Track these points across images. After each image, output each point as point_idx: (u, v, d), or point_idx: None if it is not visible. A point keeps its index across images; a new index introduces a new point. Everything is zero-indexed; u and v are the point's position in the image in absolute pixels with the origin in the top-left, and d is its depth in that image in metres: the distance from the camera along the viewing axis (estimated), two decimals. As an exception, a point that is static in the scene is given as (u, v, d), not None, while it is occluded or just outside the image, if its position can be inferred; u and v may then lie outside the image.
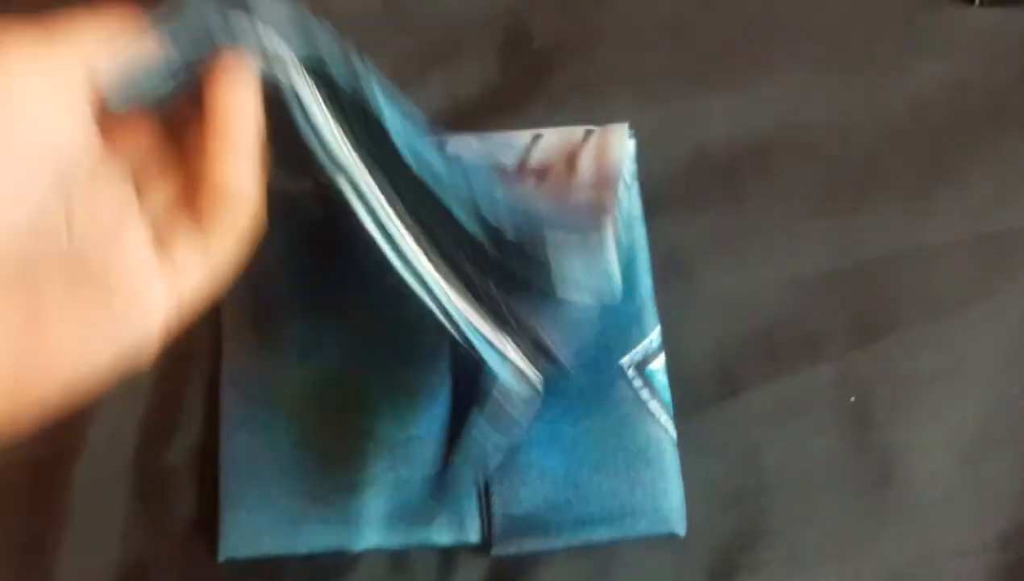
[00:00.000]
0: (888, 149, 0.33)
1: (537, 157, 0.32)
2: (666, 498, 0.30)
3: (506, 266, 0.26)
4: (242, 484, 0.30)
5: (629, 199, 0.32)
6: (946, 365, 0.31)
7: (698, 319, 0.32)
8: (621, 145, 0.31)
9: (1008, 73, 0.34)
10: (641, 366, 0.31)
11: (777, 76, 0.34)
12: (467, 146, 0.32)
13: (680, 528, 0.30)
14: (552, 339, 0.27)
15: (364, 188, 0.24)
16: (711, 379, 0.32)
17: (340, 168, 0.24)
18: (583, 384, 0.30)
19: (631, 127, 0.32)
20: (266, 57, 0.22)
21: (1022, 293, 0.32)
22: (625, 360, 0.31)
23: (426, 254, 0.26)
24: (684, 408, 0.31)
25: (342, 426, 0.31)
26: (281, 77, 0.22)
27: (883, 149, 0.33)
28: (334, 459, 0.30)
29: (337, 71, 0.23)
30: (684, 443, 0.30)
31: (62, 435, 0.30)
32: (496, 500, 0.30)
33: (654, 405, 0.31)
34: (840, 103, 0.34)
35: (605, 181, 0.30)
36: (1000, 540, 0.30)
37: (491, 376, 0.26)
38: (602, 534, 0.30)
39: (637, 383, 0.31)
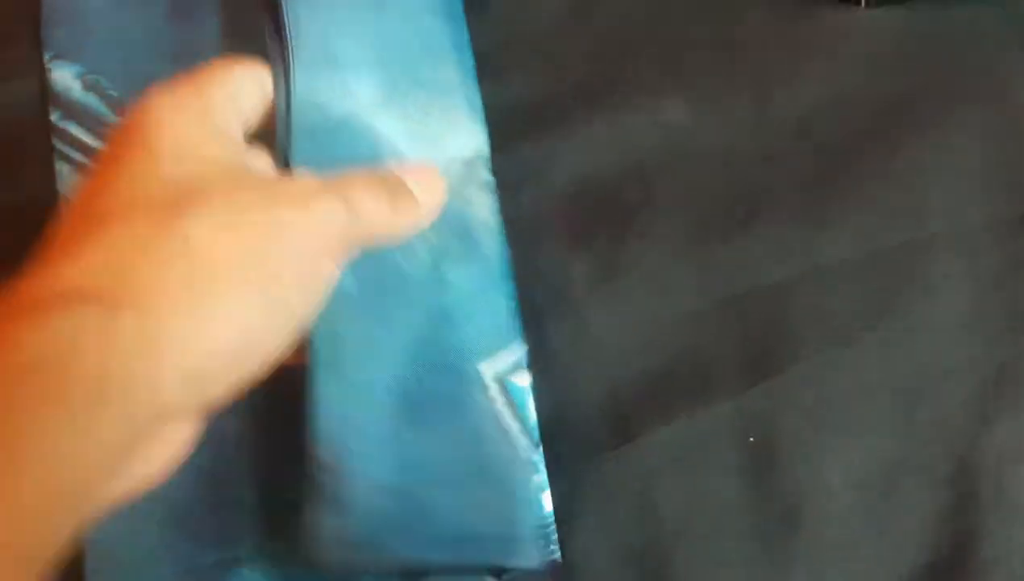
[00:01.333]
0: (776, 169, 0.32)
1: None
2: (515, 527, 0.28)
3: None
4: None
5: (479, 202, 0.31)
6: (848, 394, 0.30)
7: (590, 361, 0.30)
8: None
9: (894, 79, 0.33)
10: (502, 378, 0.29)
11: (658, 100, 0.32)
12: None
13: (530, 561, 0.28)
14: None
15: None
16: (606, 425, 0.30)
17: None
18: (431, 385, 0.28)
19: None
20: None
21: (924, 310, 0.31)
22: (484, 366, 0.29)
23: None
24: (580, 457, 0.29)
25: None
26: None
27: (770, 170, 0.32)
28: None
29: None
30: (581, 493, 0.29)
31: None
32: (319, 511, 0.27)
33: (513, 424, 0.29)
34: (724, 125, 0.32)
35: None
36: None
37: None
38: (441, 557, 0.27)
39: (495, 395, 0.29)
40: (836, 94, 0.33)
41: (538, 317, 0.30)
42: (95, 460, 0.19)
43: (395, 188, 0.25)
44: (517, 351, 0.29)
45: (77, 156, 0.31)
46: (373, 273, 0.27)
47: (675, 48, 0.33)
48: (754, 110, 0.32)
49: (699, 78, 0.33)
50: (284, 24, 0.28)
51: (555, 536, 0.28)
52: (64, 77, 0.32)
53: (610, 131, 0.32)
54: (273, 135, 0.27)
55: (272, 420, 0.29)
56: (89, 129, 0.32)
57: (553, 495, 0.29)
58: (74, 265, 0.20)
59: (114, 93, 0.32)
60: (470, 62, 0.31)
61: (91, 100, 0.32)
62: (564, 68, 0.33)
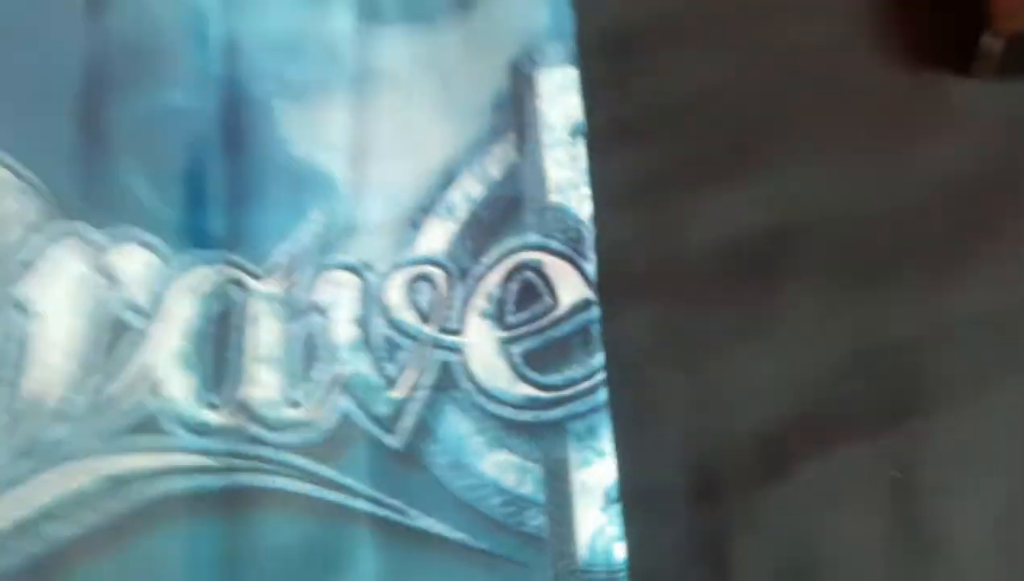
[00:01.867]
0: (909, 230, 0.36)
1: None
2: None
3: None
4: None
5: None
6: (985, 436, 0.34)
7: (742, 403, 0.35)
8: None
9: (1017, 147, 0.37)
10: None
11: (795, 165, 0.37)
12: None
13: None
14: None
15: None
16: (759, 462, 0.35)
17: None
18: None
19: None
20: None
21: None
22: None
23: None
24: (735, 491, 0.34)
25: None
26: None
27: (905, 230, 0.36)
28: None
29: None
30: (737, 524, 0.33)
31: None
32: None
33: None
34: (857, 187, 0.37)
35: None
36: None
37: None
38: None
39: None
40: (962, 161, 0.37)
41: (690, 362, 0.36)
42: None
43: None
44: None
45: None
46: None
47: (809, 116, 0.38)
48: (886, 175, 0.37)
49: (832, 145, 0.37)
50: None
51: None
52: None
53: (751, 193, 0.37)
54: None
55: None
56: None
57: (707, 524, 0.34)
58: None
59: None
60: None
61: None
62: (703, 135, 0.38)
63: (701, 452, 0.35)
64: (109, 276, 0.35)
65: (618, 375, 0.35)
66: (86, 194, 0.36)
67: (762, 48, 0.38)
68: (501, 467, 0.35)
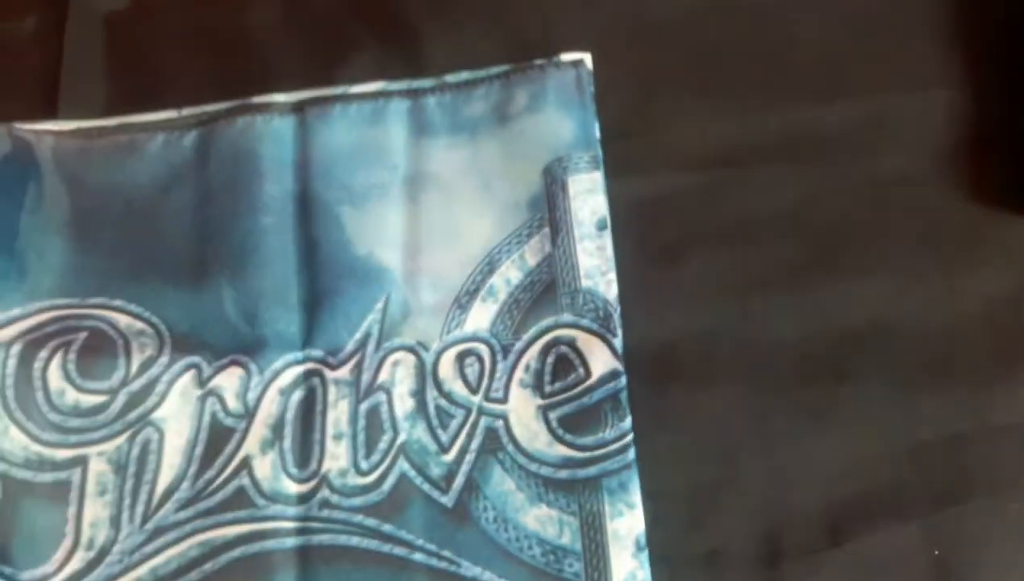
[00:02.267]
0: (960, 342, 0.40)
1: None
2: None
3: None
4: None
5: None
6: (1012, 527, 0.38)
7: (808, 479, 0.39)
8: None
9: None
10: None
11: (865, 278, 0.42)
12: None
13: None
14: None
15: None
16: (819, 531, 0.38)
17: None
18: None
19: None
20: None
21: None
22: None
23: None
24: (795, 556, 0.38)
25: None
26: None
27: (956, 342, 0.40)
28: None
29: None
30: None
31: None
32: None
33: None
34: (919, 302, 0.41)
35: None
36: None
37: None
38: None
39: None
40: (1012, 289, 0.41)
41: (766, 441, 0.40)
42: None
43: None
44: None
45: None
46: None
47: (880, 236, 0.42)
48: (945, 294, 0.41)
49: (901, 263, 0.42)
50: None
51: None
52: None
53: (826, 298, 0.41)
54: None
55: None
56: None
57: None
58: None
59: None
60: None
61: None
62: (788, 245, 0.42)
63: (768, 522, 0.39)
64: (214, 394, 0.42)
65: (700, 446, 0.40)
66: (197, 334, 0.43)
67: (844, 173, 0.43)
68: (541, 520, 0.39)
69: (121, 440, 0.41)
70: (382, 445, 0.40)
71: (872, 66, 0.44)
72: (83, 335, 0.43)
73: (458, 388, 0.41)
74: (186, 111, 0.46)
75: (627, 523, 0.38)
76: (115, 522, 0.40)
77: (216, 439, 0.41)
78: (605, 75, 0.45)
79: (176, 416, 0.41)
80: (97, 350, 0.42)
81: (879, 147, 0.43)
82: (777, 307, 0.42)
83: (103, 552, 0.40)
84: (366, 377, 0.41)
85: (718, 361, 0.41)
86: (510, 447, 0.40)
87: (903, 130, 0.44)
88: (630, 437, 0.39)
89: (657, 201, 0.44)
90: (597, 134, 0.44)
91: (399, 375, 0.41)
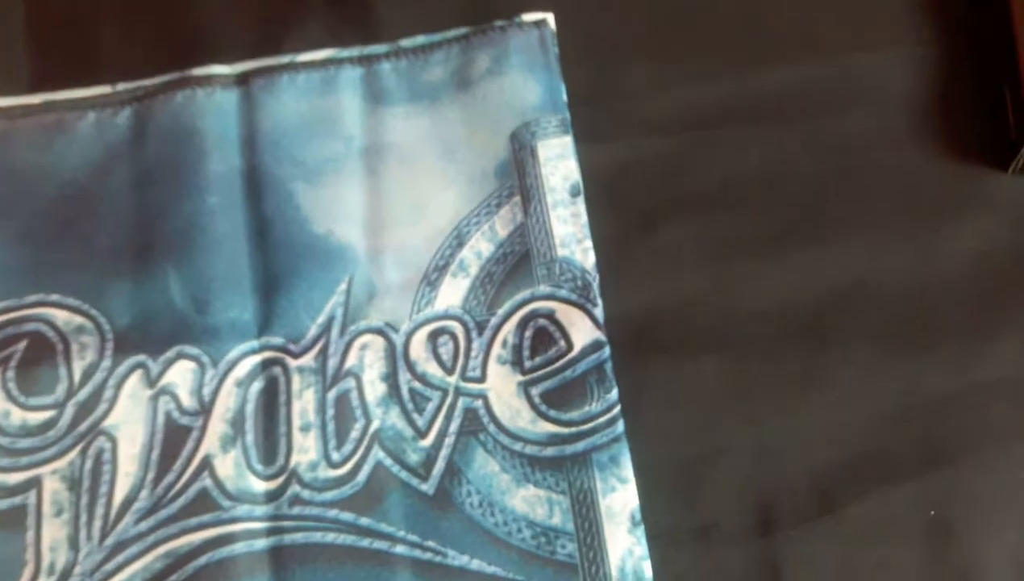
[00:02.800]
0: (943, 300, 0.40)
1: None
2: None
3: None
4: None
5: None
6: (1009, 484, 0.37)
7: (798, 447, 0.38)
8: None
9: None
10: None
11: (846, 241, 0.41)
12: None
13: None
14: None
15: None
16: (811, 500, 0.37)
17: None
18: None
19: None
20: None
21: None
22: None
23: None
24: (789, 524, 0.37)
25: None
26: None
27: (940, 300, 0.40)
28: None
29: None
30: (791, 555, 0.36)
31: None
32: None
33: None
34: (899, 262, 0.40)
35: None
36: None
37: None
38: None
39: None
40: (992, 242, 0.40)
41: (752, 411, 0.38)
42: None
43: None
44: None
45: None
46: None
47: (857, 197, 0.41)
48: (924, 252, 0.40)
49: (878, 224, 0.41)
50: None
51: None
52: None
53: (807, 263, 0.40)
54: None
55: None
56: None
57: (763, 557, 0.37)
58: None
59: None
60: None
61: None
62: (765, 210, 0.41)
63: (759, 492, 0.38)
64: (166, 393, 0.39)
65: (685, 420, 0.38)
66: (141, 326, 0.39)
67: (816, 134, 0.42)
68: (530, 501, 0.36)
69: (73, 454, 0.38)
70: (354, 434, 0.38)
71: (839, 24, 0.43)
72: (22, 346, 0.39)
73: (432, 369, 0.39)
74: (120, 86, 0.43)
75: (620, 498, 0.36)
76: (73, 542, 0.37)
77: (172, 440, 0.38)
78: (568, 37, 0.43)
79: (128, 421, 0.38)
80: (37, 362, 0.39)
81: (850, 106, 0.42)
82: (756, 272, 0.40)
83: (64, 575, 0.36)
84: (332, 363, 0.39)
85: (699, 330, 0.40)
86: (491, 427, 0.38)
87: (873, 88, 0.43)
88: (618, 409, 0.38)
89: (628, 167, 0.42)
90: (564, 97, 0.42)
91: (368, 359, 0.39)
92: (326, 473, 0.37)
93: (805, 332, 0.40)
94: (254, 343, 0.39)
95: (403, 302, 0.40)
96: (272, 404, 0.38)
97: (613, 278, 0.40)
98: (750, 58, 0.43)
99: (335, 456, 0.38)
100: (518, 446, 0.37)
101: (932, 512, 0.37)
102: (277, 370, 0.39)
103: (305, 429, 0.38)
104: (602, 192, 0.41)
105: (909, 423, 0.38)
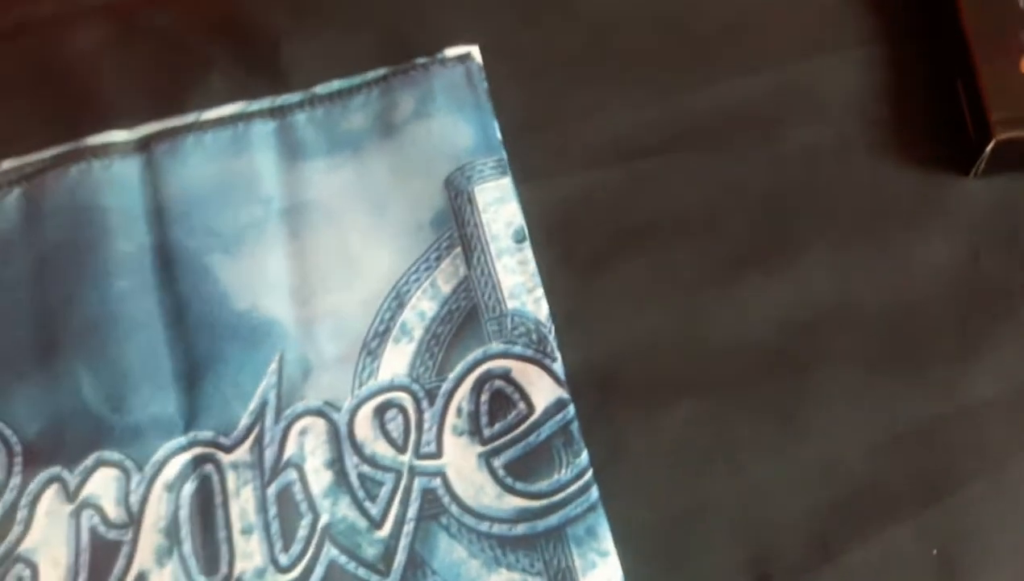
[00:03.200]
0: (920, 317, 0.37)
1: None
2: None
3: None
4: None
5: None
6: (1008, 512, 0.34)
7: (789, 489, 0.35)
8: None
9: (1017, 234, 0.38)
10: None
11: (812, 261, 0.38)
12: None
13: None
14: None
15: None
16: (809, 548, 0.34)
17: None
18: None
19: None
20: None
21: None
22: None
23: None
24: (786, 578, 0.34)
25: None
26: None
27: (921, 316, 0.37)
28: None
29: None
30: None
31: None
32: None
33: None
34: (872, 277, 0.37)
35: None
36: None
37: None
38: None
39: None
40: (965, 252, 0.38)
41: (733, 455, 0.35)
42: None
43: None
44: None
45: None
46: None
47: (820, 217, 0.38)
48: (896, 264, 0.38)
49: (843, 241, 0.38)
50: None
51: None
52: None
53: (773, 291, 0.37)
54: None
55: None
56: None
57: None
58: None
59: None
60: None
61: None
62: (722, 237, 0.38)
63: (752, 546, 0.34)
64: (89, 506, 0.34)
65: (665, 476, 0.35)
66: (53, 434, 0.35)
67: (771, 150, 0.39)
68: None
69: None
70: (302, 532, 0.34)
71: (782, 33, 0.41)
72: None
73: (382, 449, 0.35)
74: (5, 164, 0.38)
75: (603, 574, 0.33)
76: None
77: (101, 558, 0.34)
78: (497, 69, 0.40)
79: (48, 543, 0.34)
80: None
81: (801, 117, 0.40)
82: (721, 303, 0.37)
83: None
84: (270, 454, 0.35)
85: (668, 373, 0.36)
86: (453, 508, 0.34)
87: (826, 96, 0.40)
88: (590, 474, 0.34)
89: (574, 204, 0.39)
90: (498, 135, 0.39)
91: (309, 446, 0.35)
92: (275, 579, 0.33)
93: (780, 362, 0.37)
94: (181, 440, 0.35)
95: (343, 376, 0.36)
96: (208, 507, 0.34)
97: (570, 327, 0.37)
98: (694, 74, 0.40)
99: (283, 559, 0.33)
100: (484, 526, 0.34)
101: (935, 551, 0.34)
102: (209, 468, 0.35)
103: (247, 532, 0.34)
104: (549, 234, 0.38)
105: (901, 453, 0.35)
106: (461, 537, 0.34)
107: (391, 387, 0.36)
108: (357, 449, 0.35)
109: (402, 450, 0.35)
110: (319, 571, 0.33)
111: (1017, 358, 0.36)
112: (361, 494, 0.34)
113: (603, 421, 0.36)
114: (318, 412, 0.35)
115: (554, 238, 0.38)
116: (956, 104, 0.39)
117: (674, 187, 0.39)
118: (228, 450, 0.35)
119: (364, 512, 0.34)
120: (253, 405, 0.35)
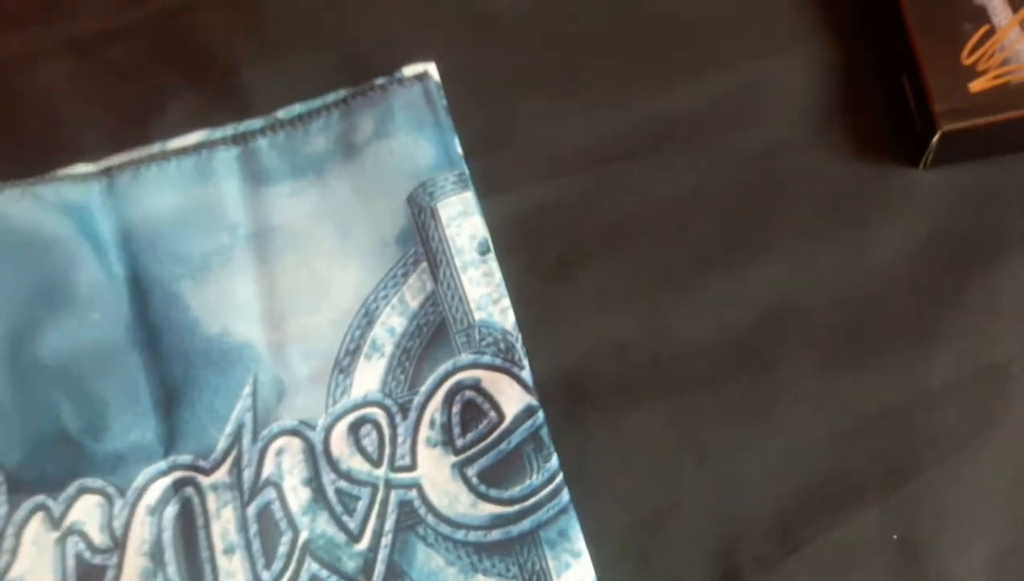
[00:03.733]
0: (881, 305, 0.38)
1: None
2: None
3: None
4: None
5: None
6: (968, 496, 0.35)
7: (755, 479, 0.36)
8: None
9: (967, 224, 0.39)
10: None
11: (771, 257, 0.39)
12: None
13: None
14: None
15: None
16: (775, 537, 0.35)
17: None
18: None
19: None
20: None
21: (1016, 418, 0.36)
22: None
23: None
24: (757, 569, 0.35)
25: None
26: None
27: (877, 307, 0.38)
28: None
29: None
30: None
31: None
32: None
33: None
34: (830, 271, 0.38)
35: None
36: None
37: None
38: None
39: None
40: (917, 239, 0.39)
41: (704, 451, 0.36)
42: None
43: None
44: None
45: None
46: None
47: (777, 216, 0.39)
48: (853, 259, 0.39)
49: (801, 237, 0.39)
50: None
51: None
52: None
53: (734, 288, 0.38)
54: None
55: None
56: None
57: None
58: None
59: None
60: None
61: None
62: (681, 239, 0.39)
63: (721, 540, 0.35)
64: (74, 532, 0.35)
65: (635, 475, 0.36)
66: (35, 463, 0.36)
67: (727, 151, 0.40)
68: None
69: None
70: (282, 549, 0.35)
71: (734, 35, 0.42)
72: None
73: (357, 464, 0.36)
74: (-28, 201, 0.39)
75: (576, 574, 0.34)
76: None
77: None
78: (454, 83, 0.41)
79: (35, 570, 0.35)
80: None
81: (754, 118, 0.41)
82: (684, 304, 0.38)
83: None
84: (248, 475, 0.36)
85: (636, 375, 0.37)
86: (430, 518, 0.35)
87: (777, 96, 0.41)
88: (560, 477, 0.35)
89: (537, 213, 0.40)
90: (459, 150, 0.39)
91: (286, 464, 0.36)
92: None
93: (744, 359, 0.38)
94: (161, 464, 0.36)
95: (316, 395, 0.36)
96: (190, 529, 0.35)
97: (538, 334, 0.38)
98: (647, 80, 0.41)
99: (265, 576, 0.34)
100: (460, 534, 0.35)
101: (895, 536, 0.35)
102: (190, 491, 0.35)
103: (229, 551, 0.35)
104: (513, 244, 0.39)
105: (864, 441, 0.36)
106: (438, 546, 0.34)
107: (364, 403, 0.36)
108: (333, 465, 0.36)
109: (377, 464, 0.36)
110: None
111: (969, 344, 0.37)
112: (339, 509, 0.35)
113: (573, 425, 0.37)
114: (293, 432, 0.36)
115: (519, 248, 0.39)
116: (904, 98, 0.40)
117: (634, 193, 0.40)
118: (207, 472, 0.36)
119: (343, 527, 0.35)
120: (230, 428, 0.36)
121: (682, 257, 0.39)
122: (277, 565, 0.34)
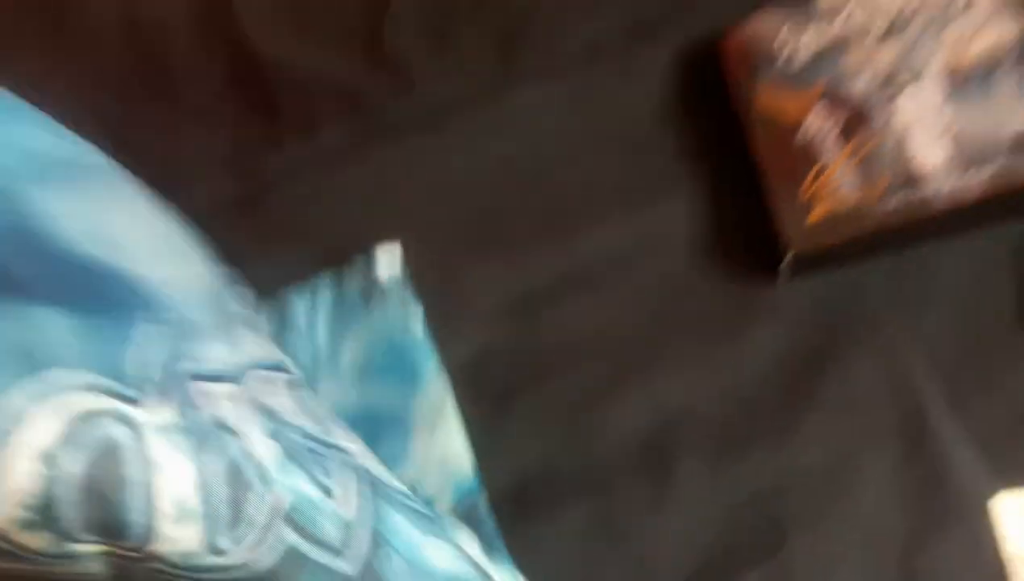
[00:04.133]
0: (751, 404, 0.47)
1: None
2: None
3: None
4: None
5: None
6: (833, 558, 0.44)
7: (664, 555, 0.45)
8: None
9: (820, 330, 0.48)
10: None
11: (670, 371, 0.48)
12: None
13: None
14: None
15: None
16: None
17: None
18: None
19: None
20: None
21: (854, 499, 0.45)
22: None
23: None
24: None
25: None
26: None
27: (749, 405, 0.47)
28: None
29: None
30: None
31: None
32: None
33: None
34: (714, 379, 0.47)
35: None
36: None
37: None
38: None
39: None
40: (781, 343, 0.48)
41: (623, 535, 0.46)
42: None
43: None
44: None
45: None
46: None
47: (674, 336, 0.48)
48: (731, 368, 0.48)
49: (690, 354, 0.48)
50: None
51: None
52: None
53: (644, 399, 0.48)
54: None
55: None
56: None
57: None
58: None
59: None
60: None
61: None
62: (603, 362, 0.49)
63: None
64: None
65: (570, 562, 0.45)
66: None
67: (627, 288, 0.49)
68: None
69: None
70: (252, 510, 0.29)
71: (623, 190, 0.51)
72: None
73: (308, 423, 0.34)
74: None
75: None
76: None
77: None
78: (416, 256, 0.51)
79: None
80: None
81: (649, 257, 0.50)
82: (606, 416, 0.48)
83: None
84: (197, 416, 0.28)
85: (565, 481, 0.47)
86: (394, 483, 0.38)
87: (670, 233, 0.50)
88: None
89: (482, 356, 0.50)
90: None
91: (239, 413, 0.30)
92: (204, 561, 0.28)
93: (651, 456, 0.47)
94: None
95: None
96: (117, 477, 0.26)
97: (485, 454, 0.48)
98: (559, 234, 0.51)
99: (221, 542, 0.28)
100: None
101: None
102: (117, 427, 0.27)
103: (178, 517, 0.27)
104: (465, 381, 0.49)
105: (744, 519, 0.45)
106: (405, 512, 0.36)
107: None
108: (287, 418, 0.32)
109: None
110: (267, 556, 0.29)
111: (826, 435, 0.46)
112: (312, 466, 0.31)
113: (518, 527, 0.46)
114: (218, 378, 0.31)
115: (468, 385, 0.49)
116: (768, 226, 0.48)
117: (560, 328, 0.50)
118: (135, 403, 0.27)
119: (318, 483, 0.31)
120: (139, 353, 0.29)
121: (600, 380, 0.49)
122: (241, 528, 0.28)
